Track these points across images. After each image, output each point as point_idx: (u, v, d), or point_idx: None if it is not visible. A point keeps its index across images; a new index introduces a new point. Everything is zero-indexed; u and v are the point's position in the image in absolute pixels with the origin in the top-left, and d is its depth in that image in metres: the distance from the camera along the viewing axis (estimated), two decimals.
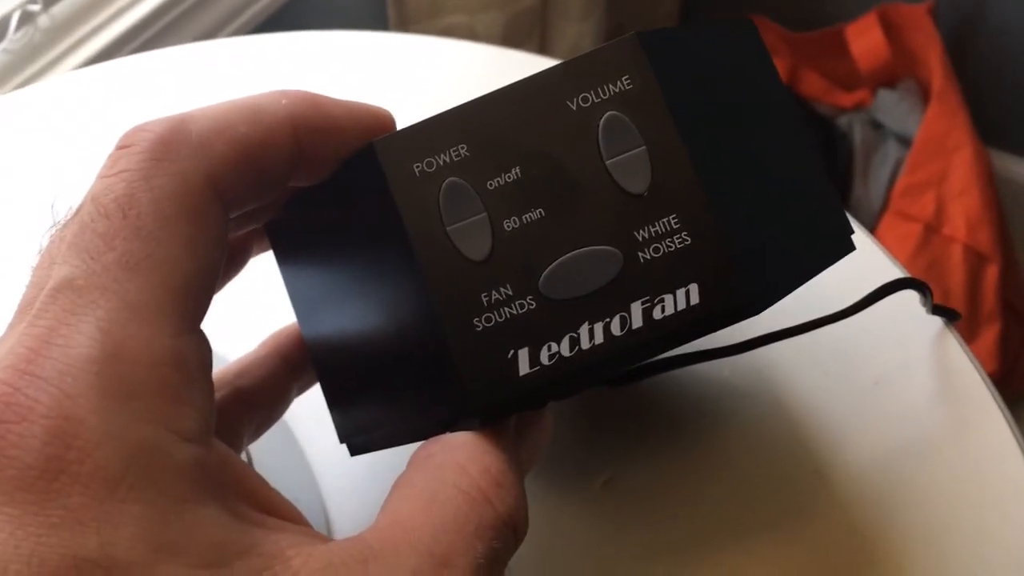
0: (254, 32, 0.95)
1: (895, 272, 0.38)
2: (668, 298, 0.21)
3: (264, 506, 0.19)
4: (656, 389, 0.34)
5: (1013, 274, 1.21)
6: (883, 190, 1.23)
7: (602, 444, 0.33)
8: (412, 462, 0.21)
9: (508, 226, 0.21)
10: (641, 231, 0.21)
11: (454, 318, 0.20)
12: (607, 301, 0.21)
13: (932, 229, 1.16)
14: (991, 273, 1.15)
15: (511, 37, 1.12)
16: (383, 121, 0.23)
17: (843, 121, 1.30)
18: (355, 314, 0.23)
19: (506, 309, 0.21)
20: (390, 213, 0.21)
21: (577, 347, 0.21)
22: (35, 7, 0.79)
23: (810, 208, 0.25)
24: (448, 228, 0.20)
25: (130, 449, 0.16)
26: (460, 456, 0.20)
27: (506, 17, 1.10)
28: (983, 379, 0.36)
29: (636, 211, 0.21)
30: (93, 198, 0.19)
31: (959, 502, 0.32)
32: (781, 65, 1.37)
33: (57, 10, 0.82)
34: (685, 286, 0.21)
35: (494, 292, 0.21)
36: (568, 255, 0.21)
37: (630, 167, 0.21)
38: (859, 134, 1.27)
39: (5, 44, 0.78)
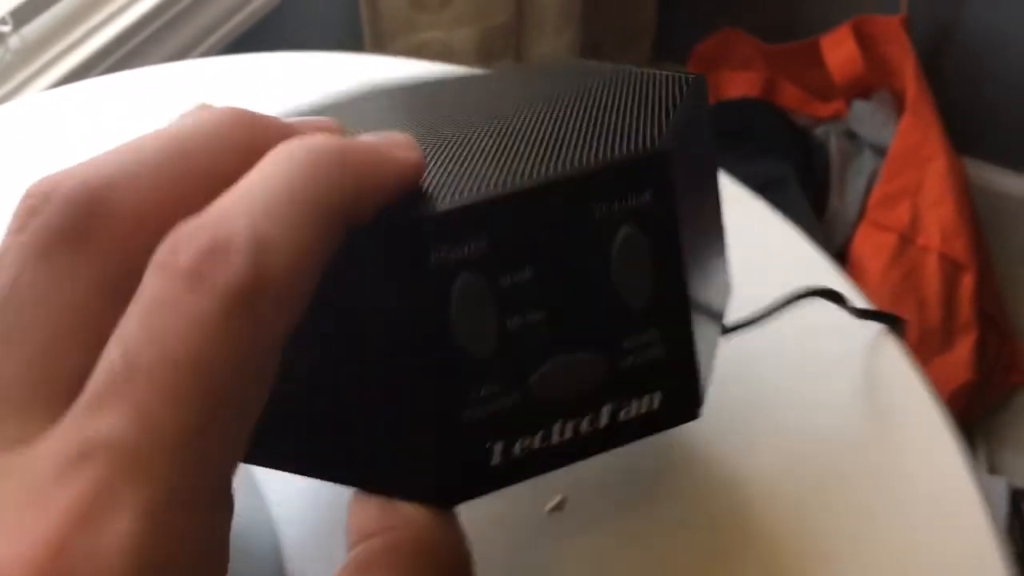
0: (230, 48, 0.96)
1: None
2: (635, 403, 0.22)
3: None
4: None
5: (989, 283, 1.22)
6: (859, 200, 1.24)
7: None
8: (377, 544, 0.20)
9: (511, 325, 0.21)
10: (628, 340, 0.21)
11: (443, 408, 0.20)
12: (584, 403, 0.21)
13: (907, 239, 1.17)
14: (967, 282, 1.16)
15: (486, 53, 1.13)
16: (416, 170, 0.21)
17: (820, 132, 1.31)
18: (336, 362, 0.22)
19: (493, 404, 0.21)
20: (401, 292, 0.20)
21: (547, 442, 0.21)
22: (5, 28, 0.79)
23: (720, 284, 0.27)
24: (455, 320, 0.20)
25: None
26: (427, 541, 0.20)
27: (481, 33, 1.11)
28: (920, 379, 0.36)
29: (630, 322, 0.21)
30: (150, 332, 0.16)
31: (887, 499, 0.32)
32: (758, 77, 1.38)
33: (28, 30, 0.82)
34: (652, 393, 0.22)
35: (486, 388, 0.21)
36: (561, 359, 0.21)
37: (635, 282, 0.21)
38: (835, 145, 1.28)
39: None
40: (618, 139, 0.22)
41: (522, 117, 0.25)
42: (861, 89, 1.28)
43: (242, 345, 0.16)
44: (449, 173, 0.22)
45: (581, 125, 0.24)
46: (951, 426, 0.35)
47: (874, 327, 0.38)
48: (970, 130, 1.39)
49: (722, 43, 1.40)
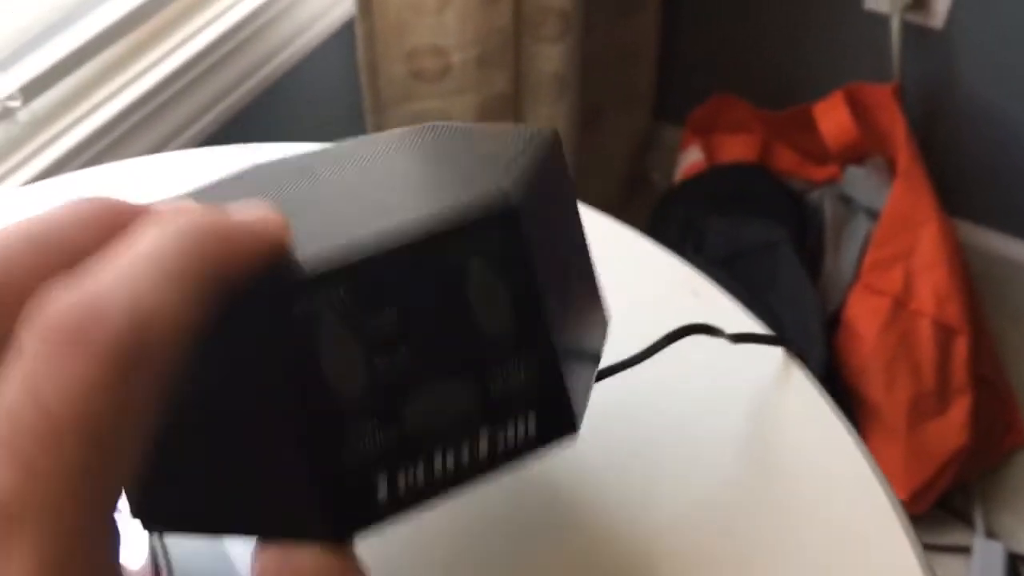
0: (237, 116, 0.98)
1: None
2: (511, 426, 0.23)
3: None
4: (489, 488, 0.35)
5: (984, 345, 1.23)
6: (853, 264, 1.26)
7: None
8: None
9: (380, 364, 0.22)
10: (495, 368, 0.23)
11: (323, 452, 0.21)
12: (460, 431, 0.23)
13: (901, 303, 1.18)
14: (960, 346, 1.17)
15: (485, 121, 1.15)
16: (280, 240, 0.22)
17: (815, 196, 1.33)
18: (216, 417, 0.23)
19: (370, 441, 0.22)
20: (273, 347, 0.21)
21: (430, 472, 0.23)
22: (15, 103, 0.82)
23: (591, 312, 0.29)
24: (324, 366, 0.21)
25: None
26: None
27: (480, 101, 1.13)
28: (815, 387, 0.38)
29: (493, 352, 0.23)
30: (32, 393, 0.17)
31: (802, 504, 0.33)
32: (754, 141, 1.40)
33: (37, 104, 0.84)
34: (526, 416, 0.24)
35: (362, 427, 0.22)
36: (431, 391, 0.22)
37: (494, 315, 0.23)
38: (830, 209, 1.30)
39: None
40: (468, 187, 0.24)
41: (385, 170, 0.27)
42: (855, 155, 1.30)
43: (122, 403, 0.17)
44: (311, 231, 0.23)
45: (437, 177, 0.26)
46: (857, 443, 0.36)
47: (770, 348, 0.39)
48: (963, 193, 1.41)
49: (718, 108, 1.43)
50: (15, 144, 0.83)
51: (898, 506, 0.35)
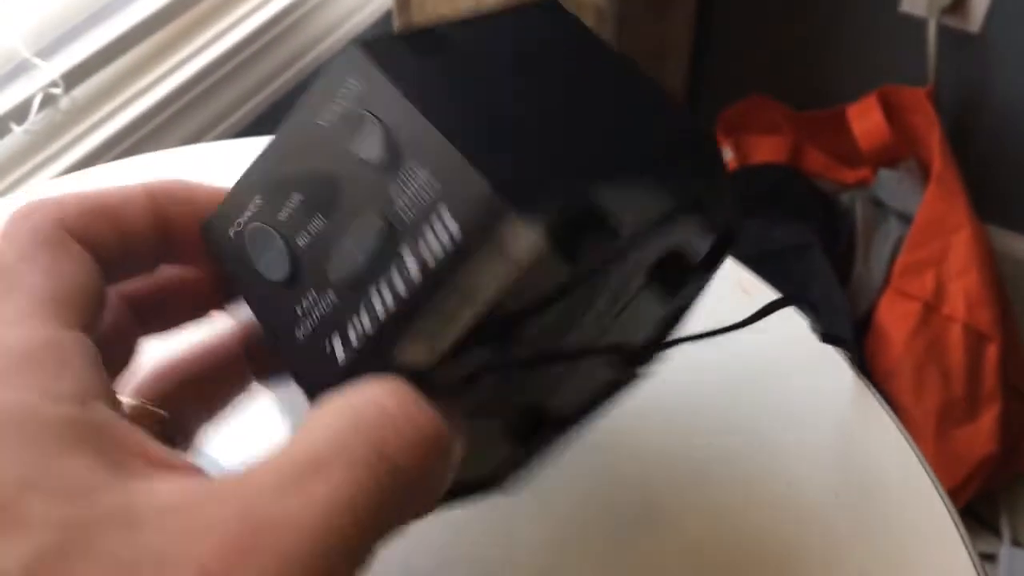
0: (266, 113, 0.99)
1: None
2: (428, 232, 0.21)
3: (155, 462, 0.19)
4: (588, 477, 0.35)
5: (1015, 353, 1.22)
6: (884, 267, 1.25)
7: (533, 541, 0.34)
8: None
9: (301, 242, 0.23)
10: (400, 196, 0.21)
11: (280, 337, 0.23)
12: (382, 261, 0.21)
13: (932, 308, 1.17)
14: (991, 353, 1.16)
15: None
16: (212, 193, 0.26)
17: (845, 198, 1.32)
18: None
19: (315, 312, 0.23)
20: (231, 275, 0.24)
21: (374, 317, 0.21)
22: (57, 90, 0.82)
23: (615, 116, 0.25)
24: (257, 265, 0.24)
25: (5, 411, 0.18)
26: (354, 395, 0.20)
27: None
28: (873, 393, 0.38)
29: (393, 182, 0.22)
30: None
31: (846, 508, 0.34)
32: (784, 142, 1.39)
33: (78, 92, 0.85)
34: (436, 210, 0.21)
35: (303, 301, 0.23)
36: (339, 241, 0.22)
37: (376, 148, 0.22)
38: (861, 211, 1.29)
39: (27, 125, 0.81)
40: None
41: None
42: (887, 158, 1.30)
43: None
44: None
45: None
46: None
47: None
48: (997, 199, 1.40)
49: (749, 109, 1.42)
50: (56, 130, 0.84)
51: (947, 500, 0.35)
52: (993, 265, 1.22)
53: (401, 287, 0.21)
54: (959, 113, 1.36)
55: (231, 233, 0.24)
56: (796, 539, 0.34)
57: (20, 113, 0.81)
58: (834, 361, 0.40)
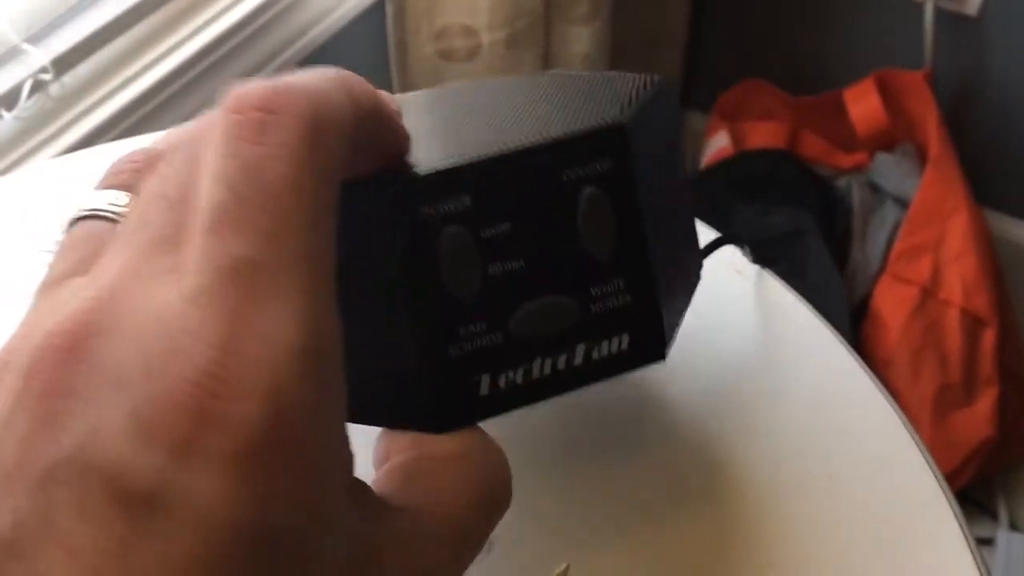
0: None
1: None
2: (605, 344, 0.25)
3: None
4: (612, 464, 0.35)
5: (1011, 338, 1.21)
6: (881, 252, 1.25)
7: (561, 529, 0.34)
8: (406, 466, 0.23)
9: (492, 271, 0.24)
10: (596, 289, 0.25)
11: (433, 345, 0.23)
12: (559, 343, 0.25)
13: (929, 293, 1.17)
14: (988, 337, 1.16)
15: None
16: (405, 140, 0.24)
17: (842, 183, 1.32)
18: (347, 309, 0.25)
19: (478, 341, 0.24)
20: (395, 243, 0.23)
21: (528, 377, 0.24)
22: (47, 76, 0.82)
23: (688, 249, 0.31)
24: (442, 266, 0.23)
25: (329, 444, 0.18)
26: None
27: None
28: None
29: (595, 273, 0.25)
30: (247, 168, 0.18)
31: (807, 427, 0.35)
32: (781, 127, 1.39)
33: (68, 78, 0.85)
34: (620, 335, 0.25)
35: (471, 326, 0.24)
36: (536, 302, 0.24)
37: (599, 236, 0.25)
38: (857, 196, 1.29)
39: (16, 111, 0.81)
40: (586, 116, 0.25)
41: (508, 104, 0.29)
42: (884, 142, 1.29)
43: (318, 167, 0.19)
44: (444, 142, 0.26)
45: (557, 107, 0.28)
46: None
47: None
48: (994, 183, 1.39)
49: (746, 94, 1.42)
50: (47, 117, 0.83)
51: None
52: (990, 249, 1.21)
53: (563, 366, 0.25)
54: (956, 97, 1.36)
55: (424, 211, 0.23)
56: (785, 521, 0.34)
57: (10, 99, 0.80)
58: (830, 342, 0.39)
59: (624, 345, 0.25)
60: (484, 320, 0.24)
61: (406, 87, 1.11)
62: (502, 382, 0.24)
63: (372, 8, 1.07)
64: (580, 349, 0.25)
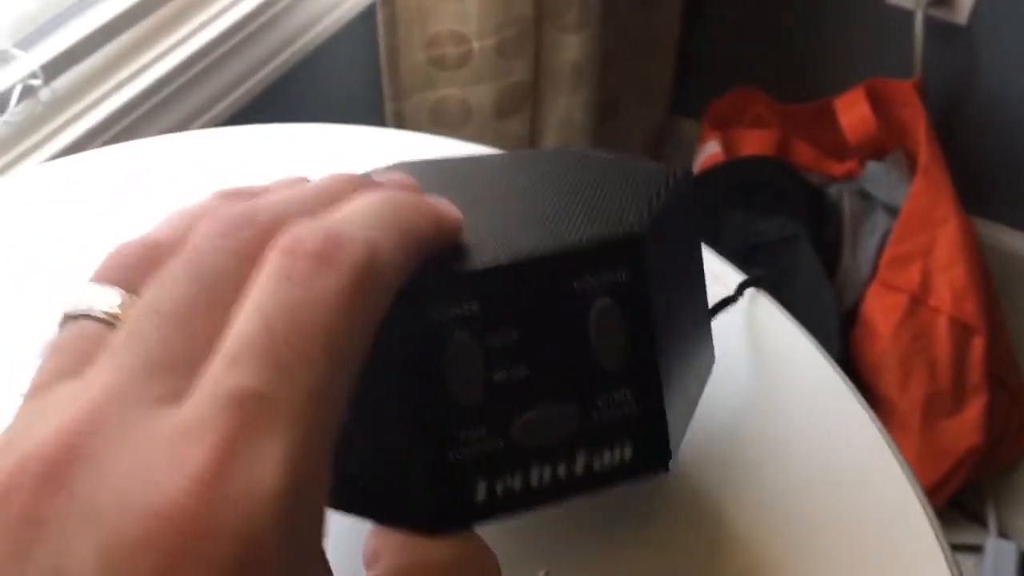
0: (258, 100, 0.98)
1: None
2: (607, 453, 0.24)
3: None
4: None
5: (1000, 345, 1.22)
6: (871, 259, 1.25)
7: (538, 536, 0.34)
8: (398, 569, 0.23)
9: (497, 378, 0.23)
10: (601, 398, 0.24)
11: (431, 449, 0.23)
12: (560, 450, 0.24)
13: (918, 300, 1.17)
14: (977, 345, 1.16)
15: (503, 110, 1.15)
16: (459, 226, 0.24)
17: (832, 191, 1.32)
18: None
19: (478, 447, 0.23)
20: (403, 344, 0.23)
21: (527, 484, 0.24)
22: (36, 81, 0.82)
23: (700, 351, 0.29)
24: (446, 370, 0.23)
25: None
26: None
27: (498, 90, 1.13)
28: (848, 385, 0.39)
29: (604, 382, 0.24)
30: (288, 308, 0.18)
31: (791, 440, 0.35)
32: (772, 135, 1.39)
33: (59, 84, 0.85)
34: (623, 446, 0.24)
35: (471, 432, 0.23)
36: (540, 410, 0.24)
37: (609, 347, 0.24)
38: (848, 204, 1.29)
39: (6, 116, 0.80)
40: (602, 221, 0.25)
41: (523, 197, 0.28)
42: (874, 150, 1.30)
43: (358, 319, 0.19)
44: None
45: (574, 206, 0.26)
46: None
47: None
48: (983, 191, 1.40)
49: (738, 102, 1.42)
50: (36, 122, 0.83)
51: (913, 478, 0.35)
52: (979, 257, 1.22)
53: (563, 474, 0.24)
54: (946, 105, 1.36)
55: (430, 315, 0.23)
56: (764, 529, 0.34)
57: None
58: (814, 356, 0.39)
59: (627, 455, 0.24)
60: (485, 426, 0.23)
61: (398, 94, 1.12)
62: (499, 488, 0.24)
63: (364, 14, 1.07)
64: (581, 458, 0.24)
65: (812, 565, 0.33)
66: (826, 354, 0.39)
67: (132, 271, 0.22)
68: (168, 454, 0.17)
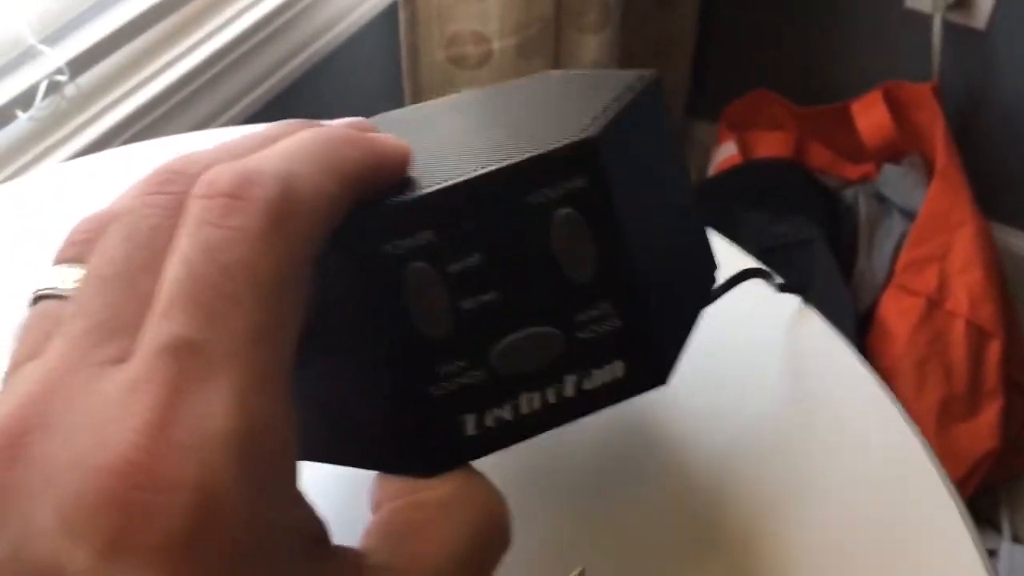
0: (280, 98, 0.99)
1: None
2: (597, 372, 0.23)
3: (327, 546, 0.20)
4: (626, 475, 0.36)
5: (1017, 350, 1.22)
6: (887, 263, 1.25)
7: (573, 536, 0.34)
8: (391, 517, 0.22)
9: (465, 306, 0.22)
10: (581, 314, 0.23)
11: (411, 386, 0.22)
12: (546, 375, 0.23)
13: (935, 304, 1.17)
14: (993, 349, 1.16)
15: None
16: (404, 163, 0.24)
17: (849, 193, 1.32)
18: (323, 358, 0.24)
19: (459, 380, 0.23)
20: (360, 285, 0.22)
21: (517, 412, 0.23)
22: (62, 77, 0.82)
23: (693, 260, 0.29)
24: (411, 306, 0.22)
25: (264, 531, 0.17)
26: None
27: None
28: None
29: (578, 298, 0.23)
30: (207, 250, 0.19)
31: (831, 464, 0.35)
32: (788, 138, 1.39)
33: (84, 80, 0.85)
34: (612, 362, 0.24)
35: (449, 365, 0.23)
36: (517, 335, 0.23)
37: (577, 259, 0.23)
38: (864, 207, 1.29)
39: (32, 112, 0.81)
40: (558, 131, 0.24)
41: (487, 126, 0.28)
42: (891, 153, 1.30)
43: (281, 253, 0.19)
44: (409, 174, 0.24)
45: (532, 124, 0.26)
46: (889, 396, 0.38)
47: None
48: (1000, 196, 1.40)
49: (754, 104, 1.42)
50: (61, 118, 0.84)
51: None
52: (996, 261, 1.22)
53: (553, 399, 0.23)
54: (963, 109, 1.36)
55: (386, 250, 0.22)
56: (797, 529, 0.34)
57: (25, 100, 0.81)
58: (841, 351, 0.40)
59: (619, 372, 0.24)
60: (463, 357, 0.22)
61: (417, 93, 1.12)
62: (489, 420, 0.23)
63: (384, 13, 1.07)
64: (570, 380, 0.23)
65: (846, 564, 0.33)
66: (851, 345, 0.39)
67: (86, 247, 0.22)
68: (115, 412, 0.17)
